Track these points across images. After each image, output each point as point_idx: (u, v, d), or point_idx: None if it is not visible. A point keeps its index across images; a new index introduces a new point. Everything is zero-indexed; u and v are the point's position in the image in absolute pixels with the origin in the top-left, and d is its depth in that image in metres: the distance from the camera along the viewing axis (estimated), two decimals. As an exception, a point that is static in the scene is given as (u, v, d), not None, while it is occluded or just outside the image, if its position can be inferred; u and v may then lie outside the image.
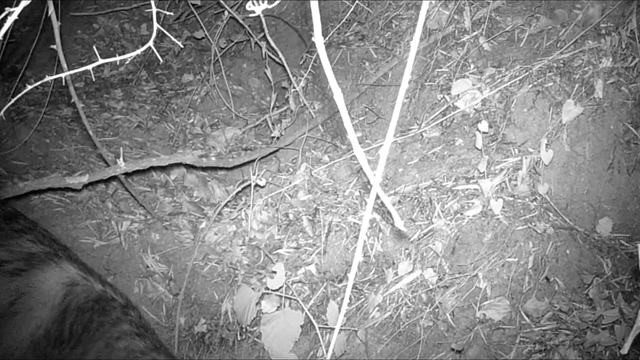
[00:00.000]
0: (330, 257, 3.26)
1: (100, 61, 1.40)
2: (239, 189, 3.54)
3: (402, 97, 0.89)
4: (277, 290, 2.88)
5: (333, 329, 3.00)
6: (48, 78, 1.45)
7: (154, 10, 1.43)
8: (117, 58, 1.40)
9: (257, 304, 2.92)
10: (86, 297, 2.17)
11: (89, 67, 1.39)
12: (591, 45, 3.38)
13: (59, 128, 4.18)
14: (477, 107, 3.39)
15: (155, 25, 1.38)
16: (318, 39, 0.97)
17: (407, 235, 3.16)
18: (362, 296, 3.08)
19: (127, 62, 4.67)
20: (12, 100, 1.53)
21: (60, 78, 1.45)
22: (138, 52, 1.44)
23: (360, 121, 3.86)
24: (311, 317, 2.85)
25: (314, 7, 0.96)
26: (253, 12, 1.04)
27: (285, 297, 2.95)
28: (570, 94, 3.27)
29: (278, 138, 4.02)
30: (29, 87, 1.48)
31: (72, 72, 1.44)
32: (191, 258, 3.39)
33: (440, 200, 3.19)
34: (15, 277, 2.18)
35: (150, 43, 1.39)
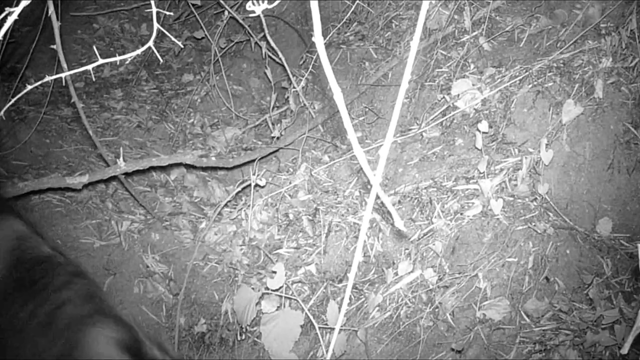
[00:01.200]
0: (330, 257, 3.26)
1: (100, 61, 1.40)
2: (239, 189, 3.53)
3: (402, 97, 0.89)
4: (277, 290, 2.88)
5: (333, 329, 3.00)
6: (48, 78, 1.45)
7: (154, 10, 1.43)
8: (117, 58, 1.40)
9: (257, 304, 2.92)
10: (34, 254, 2.08)
11: (89, 67, 1.39)
12: (591, 45, 3.38)
13: (59, 128, 4.18)
14: (477, 107, 3.39)
15: (155, 25, 1.37)
16: (318, 39, 0.97)
17: (407, 235, 3.16)
18: (362, 296, 3.08)
19: (127, 62, 4.67)
20: (12, 101, 1.53)
21: (60, 78, 1.45)
22: (138, 52, 1.44)
23: (360, 121, 3.86)
24: (311, 317, 2.85)
25: (314, 7, 0.96)
26: (253, 12, 1.04)
27: (285, 297, 2.95)
28: (570, 94, 3.27)
29: (278, 138, 4.02)
30: (29, 87, 1.48)
31: (72, 72, 1.44)
32: (191, 258, 3.39)
33: (440, 200, 3.19)
34: None
35: (150, 43, 1.39)
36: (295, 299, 2.99)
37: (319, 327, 2.89)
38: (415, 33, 0.86)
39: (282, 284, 2.81)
